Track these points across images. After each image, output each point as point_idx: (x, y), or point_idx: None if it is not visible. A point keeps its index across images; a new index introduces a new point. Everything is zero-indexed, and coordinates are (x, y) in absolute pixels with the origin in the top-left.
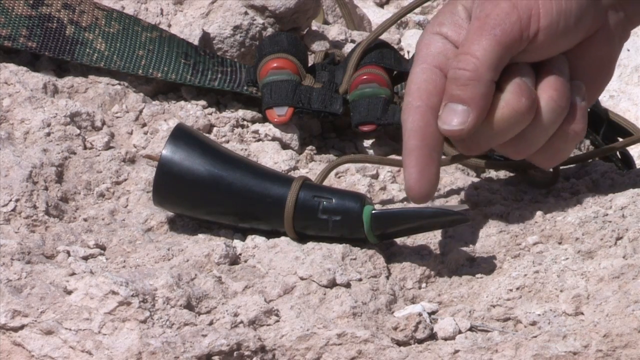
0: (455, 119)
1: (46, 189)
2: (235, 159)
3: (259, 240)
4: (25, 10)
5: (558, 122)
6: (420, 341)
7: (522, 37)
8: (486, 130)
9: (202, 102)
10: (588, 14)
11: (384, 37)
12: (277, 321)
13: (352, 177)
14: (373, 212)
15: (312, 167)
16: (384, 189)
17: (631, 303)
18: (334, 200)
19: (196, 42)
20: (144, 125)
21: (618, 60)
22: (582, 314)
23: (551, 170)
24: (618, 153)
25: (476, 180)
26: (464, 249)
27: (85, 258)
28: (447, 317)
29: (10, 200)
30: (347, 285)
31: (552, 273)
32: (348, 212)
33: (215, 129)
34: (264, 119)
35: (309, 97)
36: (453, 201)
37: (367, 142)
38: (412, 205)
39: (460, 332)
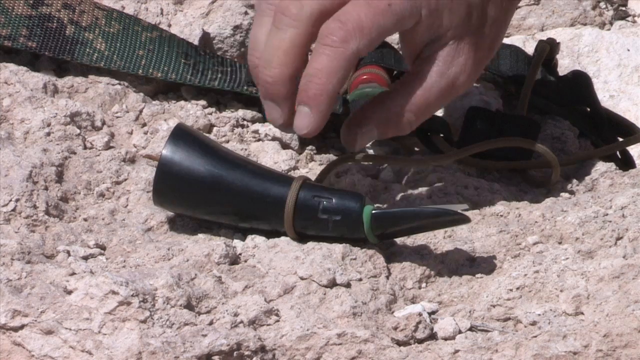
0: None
1: (46, 188)
2: (235, 158)
3: (259, 240)
4: (25, 10)
5: None
6: (420, 341)
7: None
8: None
9: (202, 102)
10: None
11: None
12: (277, 321)
13: (352, 176)
14: (373, 212)
15: (312, 167)
16: (385, 188)
17: (631, 303)
18: (334, 200)
19: (196, 42)
20: (144, 125)
21: (618, 60)
22: (582, 313)
23: (551, 170)
24: (618, 153)
25: (476, 180)
26: (464, 249)
27: (85, 258)
28: (447, 317)
29: (10, 200)
30: (347, 285)
31: (552, 273)
32: (348, 211)
33: (215, 128)
34: (264, 119)
35: None
36: (453, 201)
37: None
38: (412, 205)
39: (460, 332)
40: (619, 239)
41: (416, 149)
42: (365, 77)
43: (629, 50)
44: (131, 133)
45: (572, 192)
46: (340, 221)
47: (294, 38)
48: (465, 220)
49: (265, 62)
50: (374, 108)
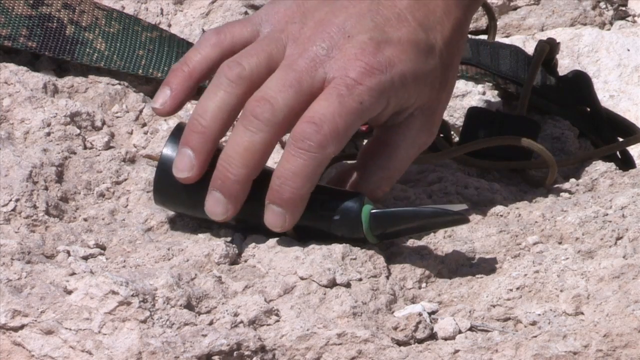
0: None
1: (46, 188)
2: None
3: (259, 240)
4: (25, 10)
5: None
6: (420, 341)
7: None
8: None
9: None
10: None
11: None
12: (277, 321)
13: None
14: (372, 211)
15: None
16: None
17: (631, 303)
18: (333, 199)
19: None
20: (144, 125)
21: (618, 60)
22: (582, 313)
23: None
24: (618, 153)
25: (476, 180)
26: (464, 249)
27: (85, 258)
28: (447, 317)
29: (10, 200)
30: (347, 285)
31: (552, 273)
32: (347, 211)
33: None
34: None
35: None
36: (453, 201)
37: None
38: (412, 205)
39: (460, 332)
40: (619, 239)
41: None
42: None
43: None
44: (131, 133)
45: (572, 192)
46: (339, 220)
47: (264, 141)
48: (464, 220)
49: (230, 160)
50: (349, 185)
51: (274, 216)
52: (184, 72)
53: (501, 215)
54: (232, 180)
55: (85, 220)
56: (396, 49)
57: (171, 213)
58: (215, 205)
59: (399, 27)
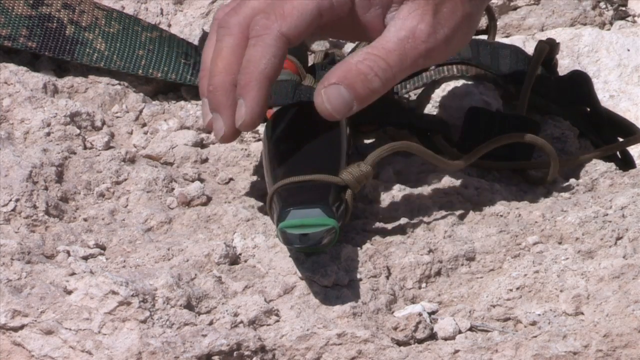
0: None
1: (46, 188)
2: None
3: (259, 240)
4: (25, 10)
5: None
6: (420, 341)
7: None
8: None
9: None
10: None
11: None
12: (277, 321)
13: None
14: (282, 228)
15: None
16: (385, 188)
17: (631, 303)
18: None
19: (196, 42)
20: (144, 125)
21: (618, 60)
22: (582, 313)
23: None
24: (618, 153)
25: (476, 180)
26: (464, 249)
27: (85, 258)
28: (447, 317)
29: (10, 200)
30: (347, 285)
31: (552, 273)
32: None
33: None
34: (264, 119)
35: (309, 97)
36: (453, 201)
37: (368, 142)
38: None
39: (460, 332)
40: (619, 239)
41: None
42: None
43: (629, 50)
44: (131, 133)
45: (572, 192)
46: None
47: (229, 44)
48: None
49: (208, 74)
50: (337, 65)
51: (238, 111)
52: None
53: (501, 215)
54: (212, 90)
55: (85, 220)
56: None
57: (171, 213)
58: (214, 127)
59: None
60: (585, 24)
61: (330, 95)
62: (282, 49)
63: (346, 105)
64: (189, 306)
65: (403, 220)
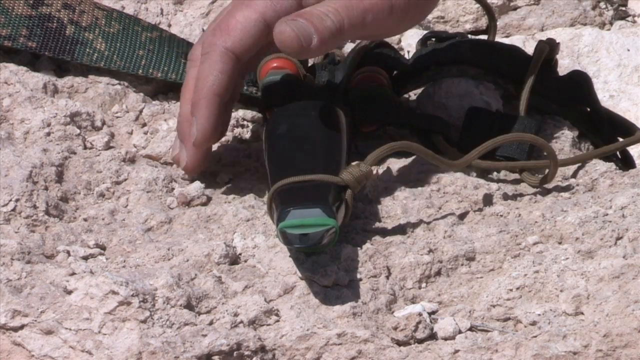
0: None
1: (46, 188)
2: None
3: (259, 240)
4: (25, 10)
5: None
6: (420, 341)
7: None
8: None
9: None
10: None
11: None
12: (277, 321)
13: None
14: (282, 228)
15: None
16: (385, 188)
17: (631, 303)
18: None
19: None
20: (144, 125)
21: (618, 60)
22: (582, 313)
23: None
24: (618, 153)
25: (476, 180)
26: (464, 249)
27: (85, 258)
28: (447, 317)
29: (10, 200)
30: (347, 285)
31: (552, 273)
32: (278, 217)
33: None
34: (264, 119)
35: (309, 96)
36: (453, 201)
37: (368, 142)
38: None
39: (460, 332)
40: (619, 239)
41: None
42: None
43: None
44: (131, 133)
45: (572, 192)
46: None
47: (193, 75)
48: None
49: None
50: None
51: (193, 128)
52: None
53: (501, 215)
54: (179, 121)
55: (85, 220)
56: None
57: (171, 213)
58: (178, 157)
59: None
60: (585, 24)
61: (294, 25)
62: (228, 64)
63: (307, 35)
64: (189, 306)
65: (403, 220)
